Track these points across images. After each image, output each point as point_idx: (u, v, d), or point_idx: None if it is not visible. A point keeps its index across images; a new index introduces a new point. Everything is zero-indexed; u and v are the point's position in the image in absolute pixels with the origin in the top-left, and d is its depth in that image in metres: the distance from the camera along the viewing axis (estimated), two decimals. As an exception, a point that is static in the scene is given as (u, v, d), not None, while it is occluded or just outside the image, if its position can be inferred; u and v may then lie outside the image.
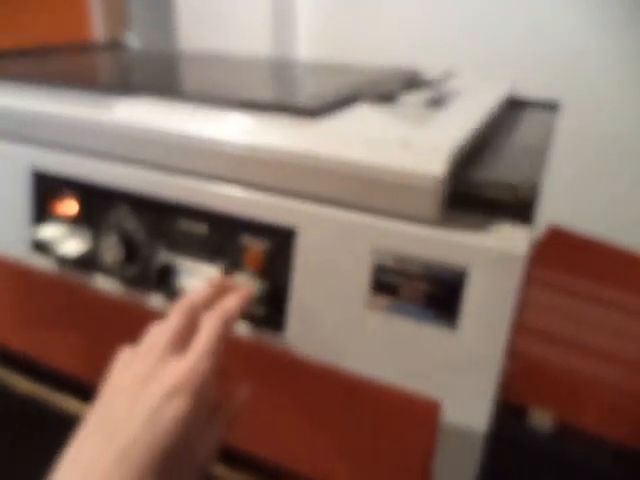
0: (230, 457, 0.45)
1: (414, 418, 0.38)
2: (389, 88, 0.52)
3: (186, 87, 0.59)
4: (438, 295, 0.35)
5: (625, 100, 0.82)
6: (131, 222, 0.44)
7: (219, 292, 0.37)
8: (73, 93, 0.49)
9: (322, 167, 0.36)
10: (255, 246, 0.40)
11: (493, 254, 0.33)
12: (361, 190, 0.36)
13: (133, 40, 0.98)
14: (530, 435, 0.42)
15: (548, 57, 0.83)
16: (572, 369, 0.48)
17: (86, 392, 0.34)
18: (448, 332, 0.35)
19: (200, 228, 0.42)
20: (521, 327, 0.54)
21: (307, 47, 1.06)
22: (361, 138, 0.37)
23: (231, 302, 0.36)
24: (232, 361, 0.42)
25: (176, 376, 0.31)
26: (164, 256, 0.43)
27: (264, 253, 0.40)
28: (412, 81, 0.59)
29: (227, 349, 0.36)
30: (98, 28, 1.07)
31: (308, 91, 0.61)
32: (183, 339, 0.33)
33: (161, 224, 0.43)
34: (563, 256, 0.68)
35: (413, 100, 0.48)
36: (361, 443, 0.41)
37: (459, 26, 0.89)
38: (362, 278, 0.37)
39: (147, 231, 0.43)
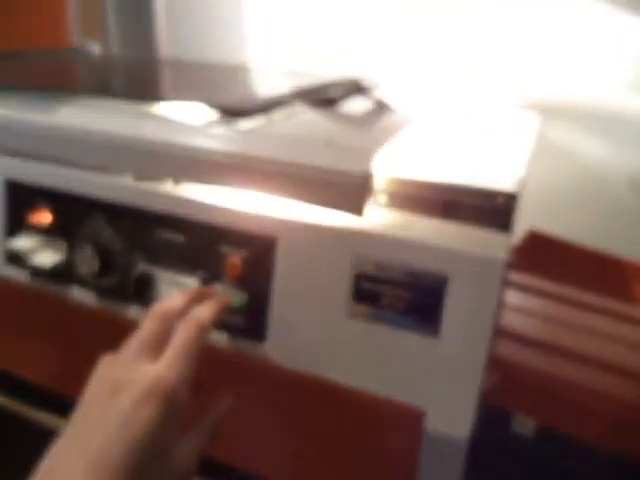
0: (211, 468, 0.44)
1: (398, 426, 0.38)
2: (329, 93, 0.55)
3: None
4: (419, 302, 0.35)
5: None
6: (107, 232, 0.43)
7: (194, 300, 0.37)
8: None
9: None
10: (234, 256, 0.39)
11: (474, 260, 0.33)
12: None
13: (94, 48, 0.97)
14: (513, 441, 0.42)
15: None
16: (553, 373, 0.48)
17: (63, 405, 0.33)
18: (430, 339, 0.35)
19: (178, 238, 0.41)
20: (501, 332, 0.54)
21: (283, 55, 1.05)
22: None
23: (205, 309, 0.35)
24: (213, 371, 0.41)
25: (147, 381, 0.30)
26: (141, 267, 0.42)
27: (243, 263, 0.39)
28: (355, 88, 0.61)
29: (208, 359, 0.35)
30: (74, 35, 1.06)
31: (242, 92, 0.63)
32: (156, 345, 0.33)
33: (138, 234, 0.42)
34: (542, 260, 0.69)
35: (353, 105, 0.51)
36: (345, 452, 0.41)
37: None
38: (343, 286, 0.37)
39: (124, 241, 0.42)
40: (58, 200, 0.44)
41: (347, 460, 0.41)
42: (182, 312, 0.35)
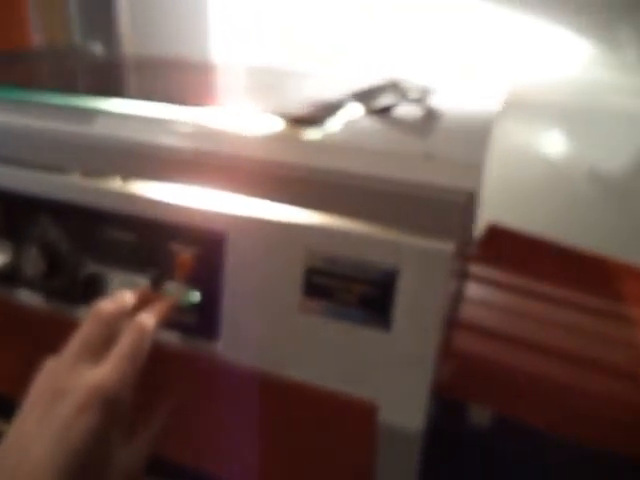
0: (165, 468, 0.43)
1: (352, 421, 0.37)
2: (386, 98, 0.52)
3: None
4: (370, 296, 0.35)
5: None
6: (53, 232, 0.42)
7: (139, 299, 0.36)
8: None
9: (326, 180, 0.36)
10: (184, 253, 0.39)
11: (422, 252, 0.33)
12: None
13: (96, 47, 0.94)
14: (470, 431, 0.42)
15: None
16: (512, 364, 0.49)
17: (11, 409, 0.32)
18: (382, 332, 0.35)
19: (127, 236, 0.40)
20: (460, 324, 0.54)
21: (252, 52, 1.04)
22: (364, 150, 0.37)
23: (151, 312, 0.35)
24: (166, 371, 0.40)
25: (88, 388, 0.29)
26: (90, 267, 0.41)
27: (194, 260, 0.38)
28: (401, 90, 0.58)
29: (161, 359, 0.34)
30: (36, 34, 1.03)
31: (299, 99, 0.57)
32: (98, 347, 0.32)
33: (85, 233, 0.41)
34: (502, 252, 0.69)
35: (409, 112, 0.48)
36: (299, 448, 0.41)
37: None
38: (294, 281, 0.36)
39: (71, 241, 0.41)
40: (1, 199, 0.43)
41: (302, 456, 0.41)
42: (125, 312, 0.34)
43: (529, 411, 0.44)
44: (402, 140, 0.42)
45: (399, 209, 0.34)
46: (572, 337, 0.57)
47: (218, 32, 1.03)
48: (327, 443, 0.39)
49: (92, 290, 0.41)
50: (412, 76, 0.65)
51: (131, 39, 1.09)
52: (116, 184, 0.40)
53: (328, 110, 0.46)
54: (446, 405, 0.43)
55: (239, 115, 0.45)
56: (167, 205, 0.38)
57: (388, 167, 0.36)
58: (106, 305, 0.34)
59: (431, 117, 0.48)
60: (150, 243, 0.39)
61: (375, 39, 0.88)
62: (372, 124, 0.46)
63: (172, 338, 0.40)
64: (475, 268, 0.66)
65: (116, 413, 0.30)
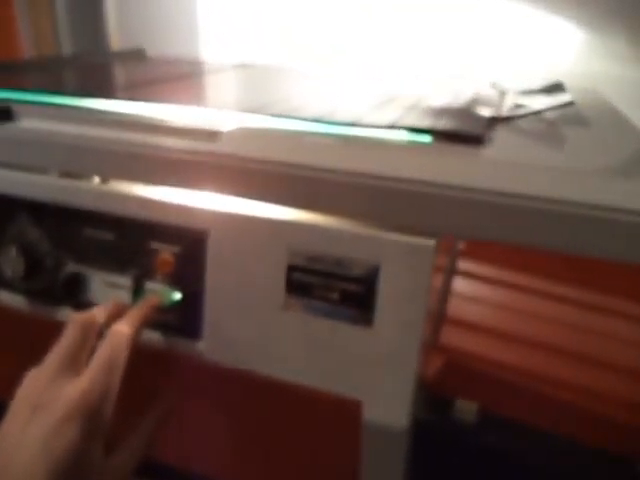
0: (152, 470, 0.43)
1: (336, 419, 0.37)
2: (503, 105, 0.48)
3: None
4: (352, 292, 0.35)
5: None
6: (33, 232, 0.41)
7: (119, 308, 0.36)
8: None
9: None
10: (165, 252, 0.38)
11: (404, 247, 0.33)
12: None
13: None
14: (456, 426, 0.42)
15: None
16: (498, 359, 0.49)
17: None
18: (364, 329, 0.35)
19: (107, 235, 0.40)
20: (446, 319, 0.54)
21: (246, 51, 1.03)
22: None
23: (131, 318, 0.34)
24: (149, 372, 0.40)
25: (67, 401, 0.29)
26: (70, 267, 0.41)
27: (175, 259, 0.38)
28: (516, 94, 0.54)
29: (144, 359, 0.34)
30: (26, 44, 1.02)
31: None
32: (79, 358, 0.32)
33: (65, 233, 0.40)
34: (489, 247, 0.69)
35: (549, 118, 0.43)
36: (285, 448, 0.40)
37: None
38: (276, 279, 0.36)
39: (50, 241, 0.41)
40: (-21, 200, 0.42)
41: (287, 455, 0.40)
42: (105, 321, 0.34)
43: (515, 406, 0.44)
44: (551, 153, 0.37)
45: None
46: (562, 331, 0.57)
47: (208, 32, 1.02)
48: (312, 441, 0.39)
49: (73, 290, 0.41)
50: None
51: (119, 41, 1.07)
52: (95, 184, 0.39)
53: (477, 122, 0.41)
54: (433, 401, 0.43)
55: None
56: (147, 203, 0.38)
57: (565, 186, 0.30)
58: (85, 315, 0.34)
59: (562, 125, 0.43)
60: (131, 242, 0.39)
61: (374, 39, 0.87)
62: (509, 134, 0.40)
63: (155, 339, 0.39)
64: (463, 263, 0.66)
65: (97, 424, 0.29)
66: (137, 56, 0.86)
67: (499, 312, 0.58)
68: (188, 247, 0.37)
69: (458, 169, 0.32)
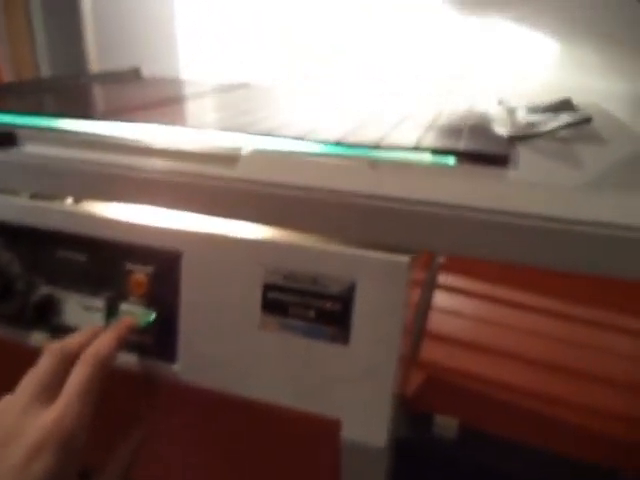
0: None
1: (315, 438, 0.37)
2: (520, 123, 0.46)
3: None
4: (328, 310, 0.34)
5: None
6: (4, 255, 0.40)
7: (95, 334, 0.35)
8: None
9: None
10: (139, 273, 0.38)
11: (379, 264, 0.33)
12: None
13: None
14: (436, 443, 0.42)
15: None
16: (479, 373, 0.48)
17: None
18: (341, 347, 0.35)
19: (80, 257, 0.39)
20: (427, 334, 0.54)
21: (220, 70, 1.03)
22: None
23: (103, 341, 0.34)
24: (125, 394, 0.39)
25: (40, 431, 0.28)
26: (42, 290, 0.40)
27: (149, 279, 0.37)
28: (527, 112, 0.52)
29: (120, 382, 0.33)
30: (4, 66, 1.01)
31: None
32: (53, 386, 0.31)
33: (36, 255, 0.40)
34: (470, 261, 0.69)
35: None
36: (264, 469, 0.40)
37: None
38: (252, 298, 0.35)
39: (22, 264, 0.40)
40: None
41: (266, 476, 0.40)
42: (82, 346, 0.34)
43: (497, 422, 0.43)
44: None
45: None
46: (545, 345, 0.57)
47: (187, 51, 1.02)
48: (291, 461, 0.38)
49: (45, 314, 0.40)
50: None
51: (97, 62, 1.06)
52: (67, 205, 0.39)
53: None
54: (413, 417, 0.42)
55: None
56: (120, 224, 0.37)
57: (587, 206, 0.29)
58: (60, 343, 0.33)
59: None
60: (104, 263, 0.38)
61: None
62: (530, 154, 0.39)
63: (129, 361, 0.39)
64: (443, 278, 0.67)
65: (71, 451, 0.29)
66: (133, 76, 0.86)
67: (481, 326, 0.58)
68: (162, 267, 0.37)
69: (489, 191, 0.31)
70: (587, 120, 0.44)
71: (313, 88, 0.76)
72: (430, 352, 0.51)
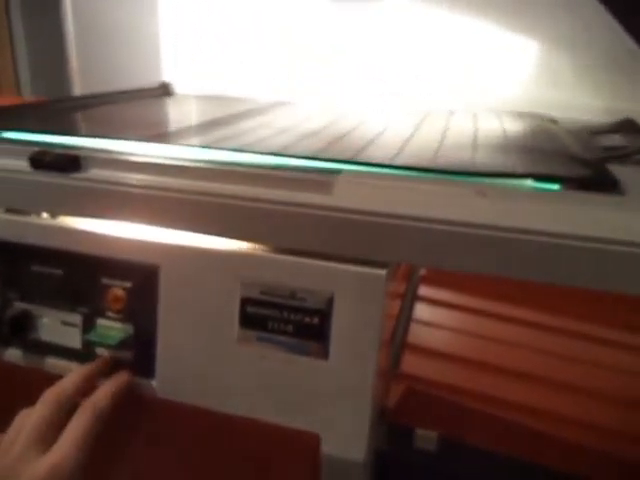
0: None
1: (294, 453, 0.36)
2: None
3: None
4: (307, 324, 0.34)
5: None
6: (-22, 270, 0.40)
7: (92, 377, 0.36)
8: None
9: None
10: (116, 287, 0.37)
11: (357, 277, 0.33)
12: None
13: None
14: (416, 456, 0.41)
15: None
16: (460, 386, 0.48)
17: None
18: (319, 361, 0.34)
19: (56, 272, 0.39)
20: (408, 346, 0.54)
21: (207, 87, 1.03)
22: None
23: (102, 392, 0.34)
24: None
25: (35, 477, 0.28)
26: (18, 305, 0.39)
27: (126, 294, 0.37)
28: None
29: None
30: None
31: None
32: (50, 431, 0.31)
33: (11, 270, 0.39)
34: (451, 273, 0.70)
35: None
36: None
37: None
38: (230, 312, 0.35)
39: (-4, 279, 0.40)
40: None
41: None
42: (78, 391, 0.34)
43: (477, 434, 0.44)
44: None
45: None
46: (527, 356, 0.57)
47: (173, 69, 1.01)
48: (270, 477, 0.38)
49: (20, 329, 0.39)
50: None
51: (80, 80, 1.05)
52: (43, 219, 0.39)
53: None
54: (394, 431, 0.42)
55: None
56: (97, 238, 0.37)
57: None
58: (56, 390, 0.34)
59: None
60: (80, 278, 0.38)
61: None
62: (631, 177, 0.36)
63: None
64: (424, 289, 0.67)
65: None
66: (162, 92, 0.84)
67: (462, 338, 0.59)
68: (139, 282, 0.37)
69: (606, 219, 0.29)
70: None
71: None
72: (411, 364, 0.51)
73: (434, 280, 0.67)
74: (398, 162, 0.39)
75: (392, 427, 0.43)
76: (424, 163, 0.39)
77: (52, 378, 0.39)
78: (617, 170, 0.37)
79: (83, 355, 0.39)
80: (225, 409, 0.36)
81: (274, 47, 0.95)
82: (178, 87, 0.95)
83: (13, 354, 0.40)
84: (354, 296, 0.33)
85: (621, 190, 0.33)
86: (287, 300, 0.34)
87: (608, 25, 0.44)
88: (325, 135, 0.52)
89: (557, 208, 0.31)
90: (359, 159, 0.39)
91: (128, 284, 0.37)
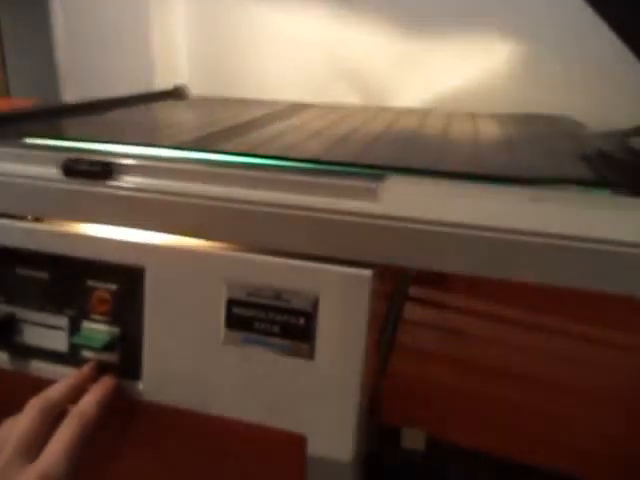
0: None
1: (280, 454, 0.36)
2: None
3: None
4: (292, 324, 0.34)
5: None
6: (-38, 274, 0.40)
7: (76, 385, 0.35)
8: None
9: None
10: (101, 290, 0.37)
11: (342, 277, 0.33)
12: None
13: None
14: (404, 455, 0.42)
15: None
16: (447, 384, 0.48)
17: None
18: (305, 361, 0.34)
19: (40, 275, 0.38)
20: (397, 346, 0.54)
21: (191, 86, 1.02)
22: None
23: (90, 399, 0.34)
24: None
25: None
26: (3, 308, 0.39)
27: (111, 296, 0.37)
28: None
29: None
30: None
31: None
32: (36, 441, 0.31)
33: (-4, 273, 0.39)
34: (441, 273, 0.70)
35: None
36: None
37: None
38: (216, 314, 0.35)
39: (-19, 282, 0.39)
40: None
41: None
42: (64, 400, 0.34)
43: (464, 433, 0.44)
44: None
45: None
46: (514, 355, 0.57)
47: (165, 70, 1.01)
48: (256, 478, 0.38)
49: (4, 333, 0.39)
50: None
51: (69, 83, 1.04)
52: (27, 222, 0.38)
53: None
54: (383, 431, 0.42)
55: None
56: (82, 240, 0.37)
57: None
58: (43, 398, 0.33)
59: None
60: (65, 281, 0.38)
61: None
62: None
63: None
64: (415, 289, 0.67)
65: None
66: (178, 95, 0.83)
67: (452, 338, 0.59)
68: (125, 284, 0.37)
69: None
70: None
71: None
72: (400, 364, 0.51)
73: (424, 280, 0.67)
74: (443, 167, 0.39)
75: (379, 427, 0.43)
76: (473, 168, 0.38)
77: (38, 382, 0.39)
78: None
79: (69, 358, 0.38)
80: (211, 410, 0.36)
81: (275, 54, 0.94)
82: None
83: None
84: (340, 297, 0.33)
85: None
86: (273, 301, 0.34)
87: (596, 22, 0.44)
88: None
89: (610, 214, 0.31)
90: (403, 165, 0.39)
91: (113, 286, 0.37)
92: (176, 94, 0.84)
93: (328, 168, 0.38)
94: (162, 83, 1.00)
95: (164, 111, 0.72)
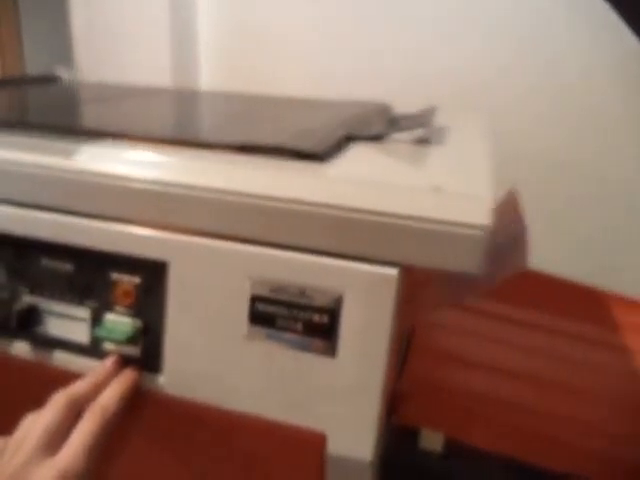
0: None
1: (300, 452, 0.36)
2: (376, 126, 0.49)
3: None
4: (316, 322, 0.34)
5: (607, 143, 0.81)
6: (-13, 263, 0.40)
7: (101, 381, 0.35)
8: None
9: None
10: (125, 283, 0.37)
11: (367, 277, 0.33)
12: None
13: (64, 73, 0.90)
14: (422, 457, 0.41)
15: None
16: (465, 386, 0.48)
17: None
18: (328, 359, 0.34)
19: (64, 266, 0.38)
20: (414, 348, 0.54)
21: (209, 79, 1.03)
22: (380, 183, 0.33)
23: (111, 393, 0.34)
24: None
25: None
26: (26, 299, 0.39)
27: (135, 289, 0.37)
28: (391, 117, 0.55)
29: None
30: None
31: (297, 130, 0.49)
32: (58, 435, 0.31)
33: (20, 264, 0.39)
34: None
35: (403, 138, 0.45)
36: (249, 483, 0.39)
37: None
38: (239, 309, 0.35)
39: (5, 272, 0.39)
40: None
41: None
42: (88, 395, 0.34)
43: (482, 435, 0.43)
44: (404, 172, 0.38)
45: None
46: (530, 358, 0.57)
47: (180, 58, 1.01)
48: (276, 475, 0.38)
49: (28, 323, 0.39)
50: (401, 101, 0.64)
51: (87, 68, 1.05)
52: (53, 214, 0.38)
53: (327, 141, 0.41)
54: (401, 431, 0.42)
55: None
56: (107, 233, 0.37)
57: (395, 201, 0.32)
58: (69, 392, 0.33)
59: (427, 146, 0.45)
60: (89, 273, 0.38)
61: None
62: (367, 154, 0.42)
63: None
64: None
65: None
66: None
67: (468, 340, 0.58)
68: (148, 278, 0.37)
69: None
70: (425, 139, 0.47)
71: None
72: (417, 365, 0.51)
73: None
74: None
75: (397, 428, 0.43)
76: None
77: (58, 374, 0.39)
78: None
79: (90, 350, 0.39)
80: (231, 406, 0.36)
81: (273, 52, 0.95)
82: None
83: (20, 348, 0.40)
84: (364, 295, 0.33)
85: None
86: (296, 298, 0.34)
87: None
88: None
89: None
90: None
91: (137, 279, 0.37)
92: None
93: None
94: (178, 74, 1.00)
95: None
